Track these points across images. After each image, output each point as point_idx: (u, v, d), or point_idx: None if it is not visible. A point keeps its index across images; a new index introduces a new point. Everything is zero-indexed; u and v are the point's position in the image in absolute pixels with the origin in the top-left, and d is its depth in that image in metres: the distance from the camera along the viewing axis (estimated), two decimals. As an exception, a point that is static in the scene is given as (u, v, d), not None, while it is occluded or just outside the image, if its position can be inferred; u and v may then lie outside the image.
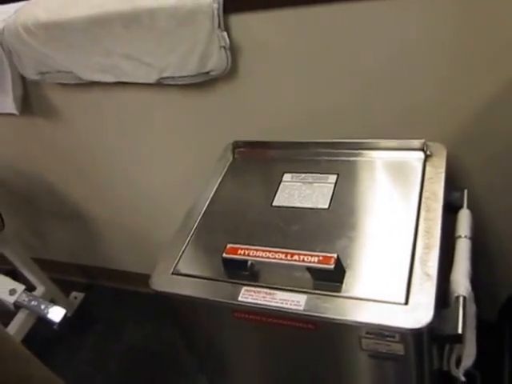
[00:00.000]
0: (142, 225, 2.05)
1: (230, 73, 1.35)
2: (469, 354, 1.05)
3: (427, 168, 1.17)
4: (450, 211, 1.16)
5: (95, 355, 2.19)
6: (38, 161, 1.99)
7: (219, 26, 1.26)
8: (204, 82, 1.39)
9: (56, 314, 1.74)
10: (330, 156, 1.29)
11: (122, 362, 2.13)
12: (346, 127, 1.38)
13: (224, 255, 1.02)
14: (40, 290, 2.21)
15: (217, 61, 1.31)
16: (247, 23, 1.28)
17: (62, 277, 2.43)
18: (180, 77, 1.39)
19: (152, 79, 1.42)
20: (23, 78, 1.64)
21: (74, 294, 2.48)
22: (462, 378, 1.08)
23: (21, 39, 1.47)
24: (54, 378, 1.34)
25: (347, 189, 1.19)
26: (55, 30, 1.42)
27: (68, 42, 1.44)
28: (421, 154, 1.20)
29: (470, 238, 1.09)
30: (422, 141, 1.20)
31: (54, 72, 1.54)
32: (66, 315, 1.76)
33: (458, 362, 1.07)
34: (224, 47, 1.28)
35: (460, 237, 1.10)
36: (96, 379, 2.08)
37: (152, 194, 1.89)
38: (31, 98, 1.73)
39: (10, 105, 1.68)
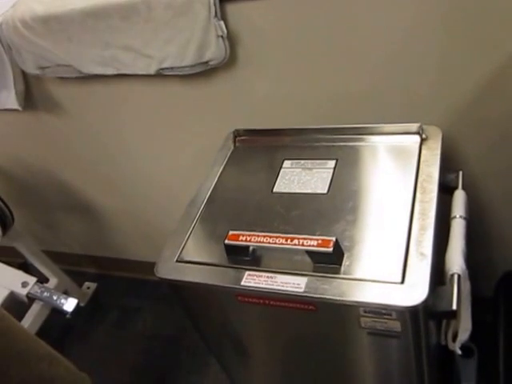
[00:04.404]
0: (150, 214, 2.09)
1: (229, 62, 1.37)
2: (464, 328, 1.09)
3: (423, 151, 1.20)
4: (446, 192, 1.19)
5: (109, 342, 2.24)
6: (44, 155, 2.01)
7: (216, 16, 1.27)
8: (203, 72, 1.40)
9: (68, 303, 1.78)
10: (329, 142, 1.31)
11: (136, 348, 2.18)
12: (345, 113, 1.41)
13: (226, 241, 1.06)
14: (53, 281, 2.25)
15: (215, 50, 1.33)
16: (244, 11, 1.29)
17: (75, 268, 2.49)
18: (179, 67, 1.40)
19: (152, 70, 1.43)
20: (24, 73, 1.65)
21: (86, 284, 2.53)
22: (459, 352, 1.12)
23: (19, 34, 1.48)
24: (77, 374, 1.37)
25: (346, 174, 1.21)
26: (53, 23, 1.43)
27: (66, 36, 1.45)
28: (417, 138, 1.23)
29: (465, 218, 1.13)
30: (418, 124, 1.22)
31: (53, 66, 1.55)
32: (78, 305, 1.80)
33: (455, 337, 1.12)
34: (221, 36, 1.30)
35: (455, 217, 1.13)
36: (111, 365, 2.13)
37: (157, 183, 1.92)
38: (33, 92, 1.74)
39: (12, 100, 1.69)
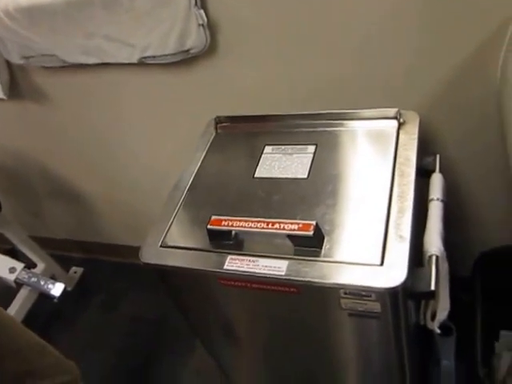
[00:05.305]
0: (135, 199, 2.09)
1: (210, 50, 1.37)
2: (443, 308, 1.10)
3: (401, 135, 1.20)
4: (424, 176, 1.20)
5: (96, 326, 2.25)
6: (30, 143, 2.01)
7: (196, 4, 1.27)
8: (185, 60, 1.41)
9: (56, 288, 1.79)
10: (309, 127, 1.31)
11: (122, 331, 2.19)
12: (324, 99, 1.41)
13: (209, 226, 1.06)
14: (40, 266, 2.26)
15: (195, 39, 1.33)
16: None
17: (61, 253, 2.49)
18: (161, 56, 1.40)
19: (134, 59, 1.44)
20: (8, 63, 1.65)
21: (73, 269, 2.54)
22: (438, 331, 1.14)
23: (3, 24, 1.47)
24: (65, 362, 1.38)
25: (325, 158, 1.21)
26: (36, 13, 1.42)
27: (50, 26, 1.44)
28: (395, 123, 1.23)
29: (443, 201, 1.14)
30: (396, 109, 1.22)
31: (38, 56, 1.55)
32: (65, 289, 1.81)
33: (434, 316, 1.13)
34: (202, 25, 1.30)
35: (433, 200, 1.14)
36: (97, 348, 2.14)
37: (141, 169, 1.93)
38: (18, 82, 1.74)
39: (-3, 90, 1.69)
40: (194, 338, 1.52)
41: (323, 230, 1.02)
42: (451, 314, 1.13)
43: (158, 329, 2.15)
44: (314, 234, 0.98)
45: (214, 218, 1.07)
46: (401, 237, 0.99)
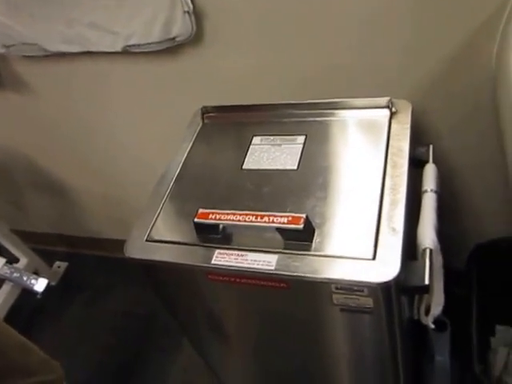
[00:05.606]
0: (120, 191, 2.07)
1: (196, 38, 1.35)
2: (437, 302, 1.08)
3: (393, 125, 1.18)
4: (417, 166, 1.18)
5: (81, 322, 2.23)
6: (12, 133, 1.98)
7: (181, -10, 1.25)
8: (170, 49, 1.38)
9: (39, 284, 1.76)
10: (298, 117, 1.29)
11: (108, 327, 2.17)
12: (314, 88, 1.39)
13: (196, 220, 1.04)
14: (23, 261, 2.24)
15: (181, 26, 1.31)
16: (210, -14, 1.27)
17: (45, 247, 2.47)
18: (145, 44, 1.38)
19: (118, 47, 1.41)
20: (-11, 52, 1.62)
21: (57, 263, 2.51)
22: (432, 326, 1.12)
23: (-19, 12, 1.45)
24: (49, 362, 1.36)
25: (315, 149, 1.19)
26: None
27: (29, 12, 1.41)
28: (387, 112, 1.21)
29: (436, 192, 1.11)
30: (387, 98, 1.20)
31: (18, 44, 1.52)
32: (49, 284, 1.78)
33: (428, 311, 1.11)
34: (188, 12, 1.27)
35: (426, 191, 1.12)
36: (83, 345, 2.12)
37: (126, 160, 1.91)
38: (0, 72, 1.71)
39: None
40: (182, 336, 1.50)
41: (314, 223, 1.00)
42: (446, 309, 1.11)
43: (146, 325, 2.13)
44: (304, 227, 0.95)
45: (201, 211, 1.04)
46: (393, 229, 0.97)
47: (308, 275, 0.94)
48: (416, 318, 1.17)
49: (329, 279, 0.93)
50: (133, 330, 2.13)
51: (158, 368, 1.98)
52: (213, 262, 1.02)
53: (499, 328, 1.37)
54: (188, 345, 1.51)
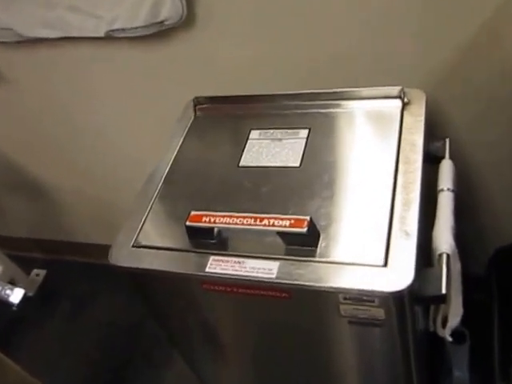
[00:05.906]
0: (104, 192, 2.07)
1: (187, 21, 1.34)
2: (455, 313, 1.08)
3: (405, 117, 1.18)
4: (431, 162, 1.18)
5: (63, 334, 2.24)
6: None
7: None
8: (158, 33, 1.38)
9: (14, 295, 1.76)
10: (301, 109, 1.29)
11: (92, 340, 2.17)
12: (318, 77, 1.39)
13: (188, 223, 1.03)
14: (-3, 269, 2.22)
15: (171, 8, 1.30)
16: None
17: (22, 254, 2.44)
18: (131, 28, 1.38)
19: (101, 32, 1.41)
20: (-41, 38, 1.61)
21: (35, 271, 2.50)
22: (449, 339, 1.12)
23: None
24: (28, 380, 1.36)
25: (320, 144, 1.19)
26: None
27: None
28: (398, 102, 1.21)
29: (453, 191, 1.11)
30: (399, 87, 1.20)
31: (-9, 29, 1.52)
32: (25, 295, 1.77)
33: (445, 322, 1.11)
34: (178, -7, 1.27)
35: (442, 190, 1.11)
36: (65, 359, 2.12)
37: (110, 157, 1.91)
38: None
39: None
40: (171, 347, 1.50)
41: (318, 226, 1.00)
42: (464, 318, 1.11)
43: (133, 336, 2.14)
44: (307, 230, 0.95)
45: (193, 213, 1.04)
46: (406, 233, 0.96)
47: (313, 284, 0.94)
48: (432, 329, 1.17)
49: (336, 288, 0.93)
50: (119, 342, 2.14)
51: (146, 383, 1.97)
52: (207, 269, 1.01)
53: (523, 340, 1.38)
54: (179, 358, 1.52)
